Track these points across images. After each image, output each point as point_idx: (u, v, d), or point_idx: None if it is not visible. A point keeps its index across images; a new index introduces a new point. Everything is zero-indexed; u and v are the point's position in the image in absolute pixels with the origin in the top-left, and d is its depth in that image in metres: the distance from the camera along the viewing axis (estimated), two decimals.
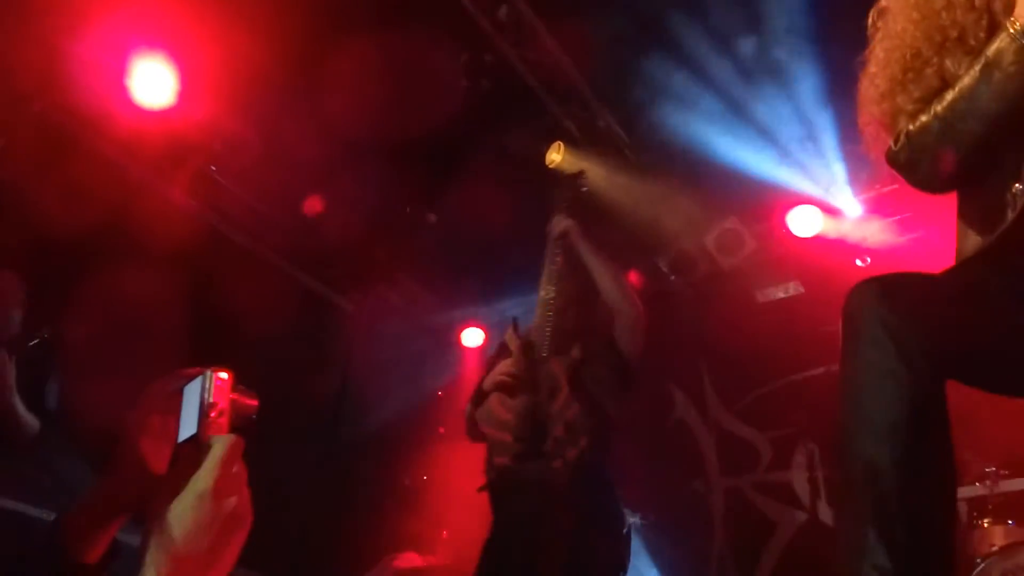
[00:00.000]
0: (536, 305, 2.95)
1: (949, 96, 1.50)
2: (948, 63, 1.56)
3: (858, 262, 4.88)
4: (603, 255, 3.05)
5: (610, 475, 2.76)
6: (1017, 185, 1.44)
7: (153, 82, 3.90)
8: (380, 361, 5.34)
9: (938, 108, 1.51)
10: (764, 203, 4.97)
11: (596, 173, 4.76)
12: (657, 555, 5.06)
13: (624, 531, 2.67)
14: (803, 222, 4.85)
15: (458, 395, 4.96)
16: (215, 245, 4.58)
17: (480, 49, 4.19)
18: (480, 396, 2.93)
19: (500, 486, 2.75)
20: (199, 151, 4.40)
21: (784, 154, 4.53)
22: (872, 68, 1.69)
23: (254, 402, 0.97)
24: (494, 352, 3.31)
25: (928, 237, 4.47)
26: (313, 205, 4.91)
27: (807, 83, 4.02)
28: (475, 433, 2.90)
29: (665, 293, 5.57)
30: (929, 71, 1.57)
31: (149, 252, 3.77)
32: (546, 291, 2.91)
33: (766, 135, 4.37)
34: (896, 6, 1.67)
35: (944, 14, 1.57)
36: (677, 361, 5.46)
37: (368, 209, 4.93)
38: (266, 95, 4.04)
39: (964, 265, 1.54)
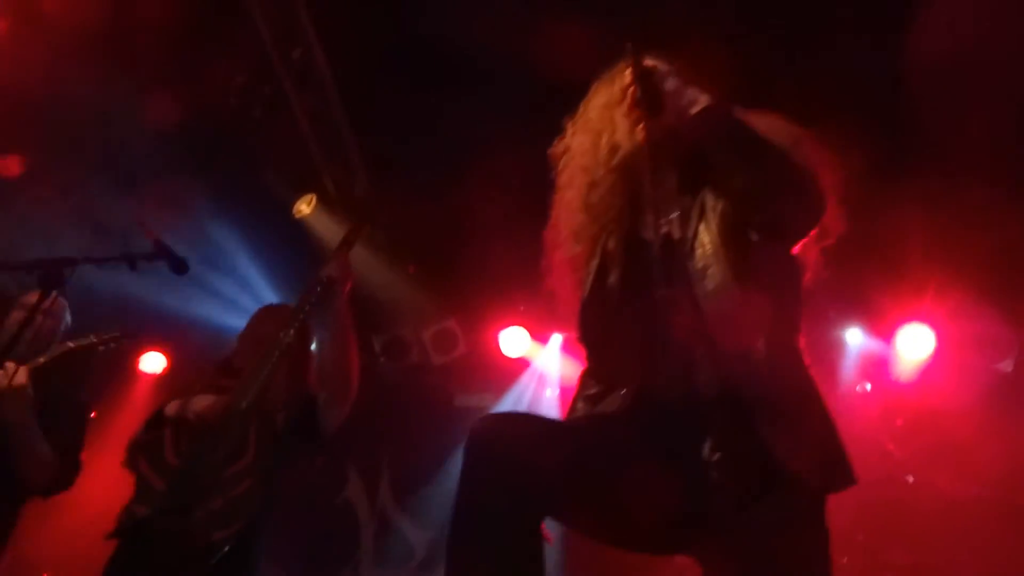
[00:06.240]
0: (264, 342, 2.53)
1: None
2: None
3: (547, 391, 5.30)
4: (351, 321, 2.71)
5: (258, 556, 2.47)
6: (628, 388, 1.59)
7: None
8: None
9: None
10: (484, 314, 5.24)
11: (338, 236, 4.72)
12: None
13: None
14: (512, 342, 5.20)
15: (117, 424, 4.45)
16: None
17: (264, 80, 4.06)
18: (158, 422, 2.53)
19: (132, 540, 2.37)
20: None
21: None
22: (552, 220, 1.84)
23: None
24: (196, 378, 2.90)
25: None
26: (10, 166, 4.24)
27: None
28: (133, 462, 2.45)
29: (368, 372, 5.55)
30: (596, 231, 1.72)
31: None
32: (284, 333, 2.49)
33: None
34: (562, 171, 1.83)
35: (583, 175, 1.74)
36: (361, 442, 5.41)
37: (70, 188, 4.36)
38: None
39: (584, 422, 1.66)
